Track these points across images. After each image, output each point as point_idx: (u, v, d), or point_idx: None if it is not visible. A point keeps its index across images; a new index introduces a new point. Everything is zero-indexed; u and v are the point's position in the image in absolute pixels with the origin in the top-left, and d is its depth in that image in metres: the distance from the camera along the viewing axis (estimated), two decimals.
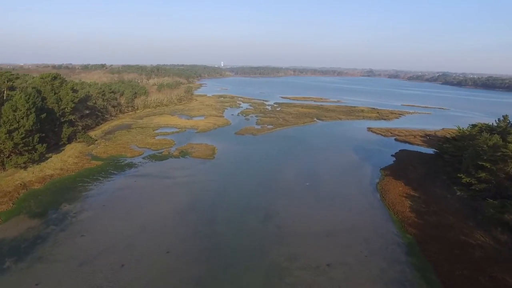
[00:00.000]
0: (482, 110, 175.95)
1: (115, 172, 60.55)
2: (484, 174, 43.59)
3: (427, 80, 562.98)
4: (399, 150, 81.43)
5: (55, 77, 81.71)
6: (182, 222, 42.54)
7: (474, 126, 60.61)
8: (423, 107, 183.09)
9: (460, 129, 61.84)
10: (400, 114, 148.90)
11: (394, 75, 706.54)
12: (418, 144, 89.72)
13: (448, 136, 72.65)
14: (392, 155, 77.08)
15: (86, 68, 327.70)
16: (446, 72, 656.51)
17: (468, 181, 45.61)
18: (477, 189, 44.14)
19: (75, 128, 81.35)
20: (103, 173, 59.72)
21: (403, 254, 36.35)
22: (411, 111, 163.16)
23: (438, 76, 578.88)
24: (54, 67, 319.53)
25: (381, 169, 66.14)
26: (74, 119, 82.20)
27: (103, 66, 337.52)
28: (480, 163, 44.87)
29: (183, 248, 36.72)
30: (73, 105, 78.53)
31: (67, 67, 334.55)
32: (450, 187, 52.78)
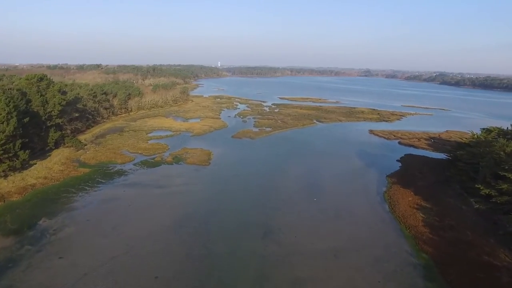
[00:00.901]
0: (483, 111, 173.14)
1: (103, 181, 56.26)
2: (506, 185, 39.71)
3: (425, 80, 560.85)
4: (404, 155, 77.71)
5: (41, 78, 77.11)
6: (173, 240, 38.39)
7: (488, 131, 56.67)
8: (424, 108, 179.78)
9: (474, 134, 57.77)
10: (401, 116, 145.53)
11: (392, 75, 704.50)
12: (423, 148, 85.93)
13: (455, 139, 68.95)
14: (397, 160, 73.36)
15: (81, 68, 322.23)
16: (443, 72, 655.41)
17: (487, 192, 41.67)
18: (498, 201, 40.22)
19: (63, 132, 76.92)
20: (90, 182, 55.42)
21: (421, 279, 32.44)
22: (412, 112, 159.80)
23: (435, 76, 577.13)
24: (48, 67, 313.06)
25: (387, 176, 62.29)
26: (62, 122, 77.69)
27: (98, 66, 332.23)
28: (501, 173, 41.01)
29: (174, 272, 32.64)
30: (60, 107, 73.97)
31: (62, 67, 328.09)
32: (465, 198, 48.92)
